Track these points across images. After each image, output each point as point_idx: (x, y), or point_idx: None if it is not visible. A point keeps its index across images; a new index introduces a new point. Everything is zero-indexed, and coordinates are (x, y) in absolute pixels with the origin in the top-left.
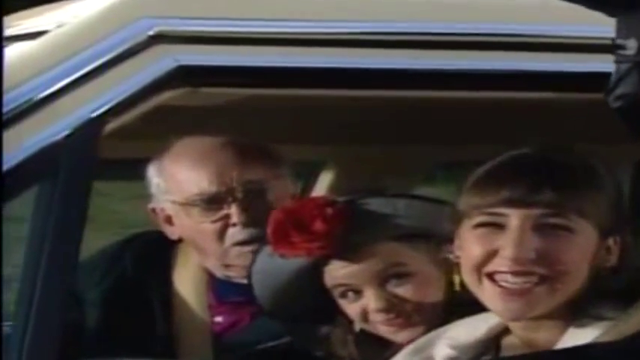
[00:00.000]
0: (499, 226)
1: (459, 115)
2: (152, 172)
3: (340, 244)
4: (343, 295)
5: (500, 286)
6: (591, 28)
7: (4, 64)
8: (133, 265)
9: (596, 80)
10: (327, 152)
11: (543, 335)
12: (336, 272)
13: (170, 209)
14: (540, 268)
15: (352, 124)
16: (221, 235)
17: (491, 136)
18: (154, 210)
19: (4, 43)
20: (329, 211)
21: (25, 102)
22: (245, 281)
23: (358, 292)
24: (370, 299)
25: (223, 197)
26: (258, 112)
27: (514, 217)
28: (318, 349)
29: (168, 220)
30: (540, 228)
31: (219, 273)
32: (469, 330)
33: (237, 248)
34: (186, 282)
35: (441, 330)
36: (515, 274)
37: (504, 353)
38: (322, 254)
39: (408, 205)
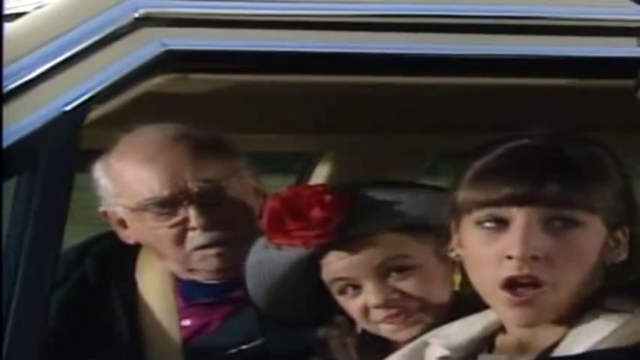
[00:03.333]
0: (504, 223)
1: (464, 102)
2: (98, 172)
3: (339, 233)
4: (342, 290)
5: (512, 292)
6: (623, 11)
7: None
8: (95, 267)
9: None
10: (324, 143)
11: (543, 333)
12: (335, 265)
13: (122, 213)
14: (550, 270)
15: (349, 112)
16: (180, 240)
17: (497, 125)
18: (105, 213)
19: None
20: (327, 198)
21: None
22: (212, 282)
23: (358, 287)
24: (370, 294)
25: (178, 200)
26: (251, 100)
27: (520, 215)
28: (313, 352)
29: (122, 223)
30: (548, 225)
31: (184, 277)
32: (463, 329)
33: (200, 252)
34: (153, 284)
35: (436, 330)
36: (524, 278)
37: (498, 352)
38: (319, 244)
39: (412, 194)
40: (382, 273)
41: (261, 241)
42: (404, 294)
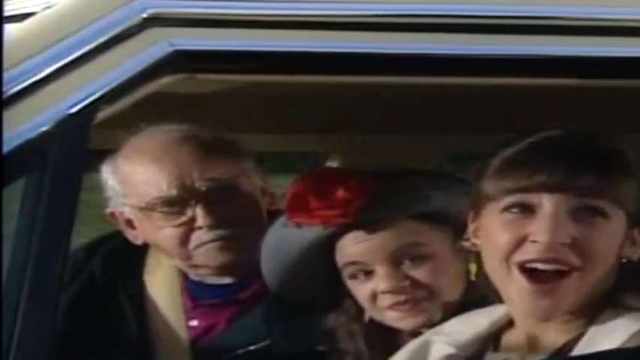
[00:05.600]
0: (530, 210)
1: (471, 103)
2: (106, 174)
3: (359, 216)
4: (353, 275)
5: (531, 279)
6: (629, 10)
7: None
8: (103, 267)
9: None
10: (332, 143)
11: (555, 330)
12: (350, 249)
13: (129, 213)
14: (573, 257)
15: (357, 112)
16: (186, 238)
17: (502, 125)
18: (112, 214)
19: None
20: (352, 180)
21: (9, 90)
22: (220, 282)
23: (369, 273)
24: (380, 279)
25: (185, 200)
26: (259, 101)
27: (548, 201)
28: (320, 342)
29: (129, 224)
30: (575, 213)
31: (191, 274)
32: (469, 326)
33: (203, 248)
34: (161, 284)
35: (439, 327)
36: (547, 261)
37: (505, 349)
38: (338, 224)
39: (433, 184)
40: (396, 259)
41: (281, 220)
42: (414, 282)
